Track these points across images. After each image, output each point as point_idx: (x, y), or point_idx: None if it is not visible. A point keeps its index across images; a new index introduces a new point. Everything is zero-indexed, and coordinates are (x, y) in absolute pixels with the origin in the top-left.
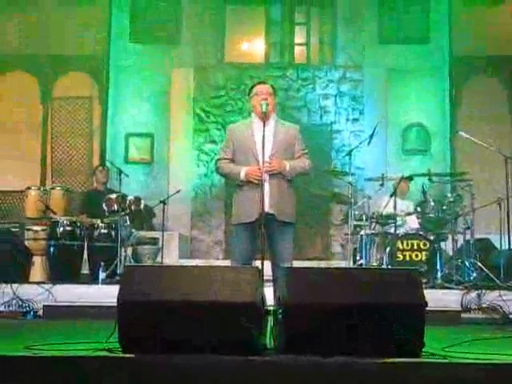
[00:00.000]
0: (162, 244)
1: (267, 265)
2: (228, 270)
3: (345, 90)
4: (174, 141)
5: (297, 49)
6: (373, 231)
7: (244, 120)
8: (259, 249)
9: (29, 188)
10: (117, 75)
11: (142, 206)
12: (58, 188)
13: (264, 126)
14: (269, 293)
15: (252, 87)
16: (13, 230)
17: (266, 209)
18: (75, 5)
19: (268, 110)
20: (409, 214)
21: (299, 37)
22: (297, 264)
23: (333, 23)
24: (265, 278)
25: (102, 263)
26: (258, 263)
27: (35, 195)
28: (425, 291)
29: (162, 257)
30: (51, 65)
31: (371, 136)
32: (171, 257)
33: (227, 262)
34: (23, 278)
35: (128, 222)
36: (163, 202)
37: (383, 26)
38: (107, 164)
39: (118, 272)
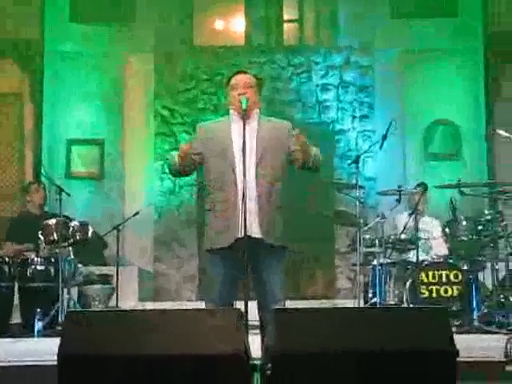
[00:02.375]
0: (117, 282)
1: (252, 306)
2: (203, 314)
3: (349, 79)
4: (131, 149)
5: (287, 26)
6: (389, 260)
7: (221, 118)
8: (242, 285)
9: None
10: (54, 64)
11: (89, 233)
12: None
13: (244, 126)
14: (255, 342)
15: (229, 79)
16: None
17: (252, 231)
18: None
19: (248, 106)
20: (434, 236)
21: (289, 11)
22: (291, 305)
23: None
24: (250, 322)
25: (39, 310)
26: (240, 304)
27: None
28: (457, 336)
29: (117, 299)
30: None
31: (384, 137)
32: (129, 299)
33: (202, 305)
34: None
35: (72, 255)
36: (117, 228)
37: None
38: (43, 180)
39: (60, 321)
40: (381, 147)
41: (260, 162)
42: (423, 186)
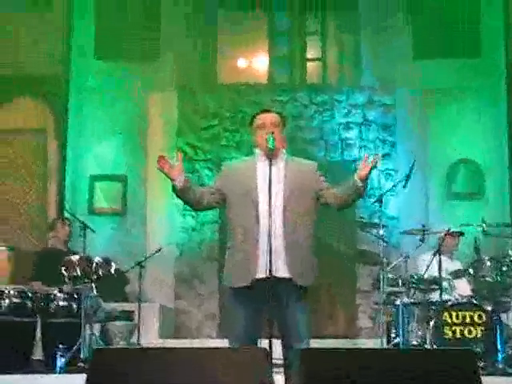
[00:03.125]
0: (139, 319)
1: (277, 345)
2: (226, 353)
3: (372, 118)
4: (153, 185)
5: (309, 65)
6: (412, 300)
7: (246, 157)
8: (266, 324)
9: None
10: (78, 101)
11: (112, 269)
12: (2, 247)
13: (271, 166)
14: (279, 381)
15: (253, 117)
16: None
17: (279, 271)
18: (24, 10)
19: (276, 145)
20: (458, 276)
21: (313, 50)
22: (314, 343)
23: (355, 33)
24: (274, 361)
25: (61, 346)
26: (264, 342)
27: None
28: (482, 378)
29: (138, 336)
30: None
31: (408, 176)
32: (150, 335)
33: (225, 342)
34: None
35: (94, 292)
36: (140, 265)
37: (419, 37)
38: (67, 216)
39: (82, 357)
40: (404, 186)
41: (288, 202)
42: (459, 233)
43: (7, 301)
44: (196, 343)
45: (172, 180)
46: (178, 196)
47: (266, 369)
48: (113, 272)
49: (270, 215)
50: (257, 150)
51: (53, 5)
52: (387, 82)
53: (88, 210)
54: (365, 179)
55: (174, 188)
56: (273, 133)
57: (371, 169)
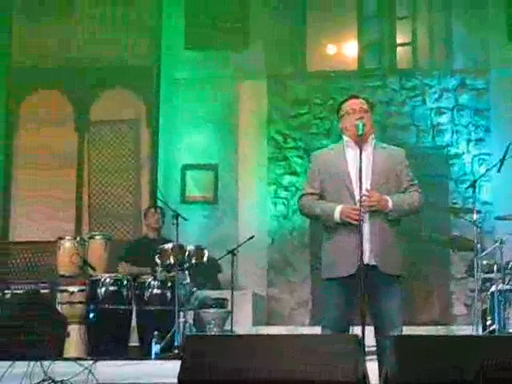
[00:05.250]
0: (232, 306)
1: (369, 332)
2: (319, 340)
3: (465, 102)
4: (244, 173)
5: (399, 50)
6: (508, 286)
7: (333, 145)
8: (358, 311)
9: (61, 238)
10: (169, 91)
11: (205, 258)
12: (99, 237)
13: (360, 153)
14: (372, 368)
15: (341, 104)
16: (42, 291)
17: (366, 259)
18: (115, 4)
19: (365, 131)
20: None
21: (402, 35)
22: (408, 331)
23: (447, 15)
24: (367, 349)
25: (156, 332)
26: (357, 330)
27: (70, 247)
28: None
29: (231, 323)
30: (87, 80)
31: (502, 160)
32: (243, 323)
33: (316, 330)
34: (56, 354)
35: (188, 280)
36: (232, 253)
37: None
38: (159, 205)
39: (177, 344)
40: (499, 170)
41: (375, 188)
42: None
43: (104, 289)
44: (288, 330)
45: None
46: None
47: (358, 356)
48: (205, 260)
49: (360, 203)
50: (345, 137)
51: None
52: (480, 64)
53: (180, 199)
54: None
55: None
56: (362, 118)
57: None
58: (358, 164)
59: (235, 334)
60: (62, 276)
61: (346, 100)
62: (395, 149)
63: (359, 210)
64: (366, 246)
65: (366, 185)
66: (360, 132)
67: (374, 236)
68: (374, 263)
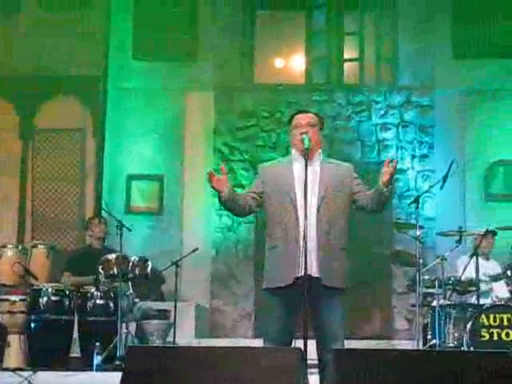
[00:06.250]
0: (175, 318)
1: (311, 345)
2: (261, 353)
3: (410, 119)
4: (190, 184)
5: (347, 65)
6: (449, 302)
7: (281, 158)
8: (300, 324)
9: (3, 246)
10: (116, 101)
11: (148, 269)
12: (41, 246)
13: (306, 166)
14: (315, 382)
15: (290, 118)
16: None
17: (310, 270)
18: (63, 10)
19: (311, 145)
20: (496, 279)
21: (350, 50)
22: (349, 344)
23: (393, 32)
24: (309, 362)
25: (97, 343)
26: (299, 343)
27: (11, 255)
28: None
29: (174, 335)
30: (32, 88)
31: (445, 177)
32: (186, 335)
33: (259, 342)
34: None
35: (131, 290)
36: (176, 264)
37: (459, 36)
38: (104, 214)
39: (118, 355)
40: (441, 187)
41: (322, 203)
42: (492, 232)
43: (45, 298)
44: (231, 342)
45: (219, 192)
46: (223, 205)
47: (300, 369)
48: (149, 271)
49: (305, 216)
50: (293, 151)
51: (91, 4)
52: (425, 82)
53: (125, 209)
54: (388, 184)
55: (219, 199)
56: (307, 133)
57: (393, 174)
58: (303, 178)
59: (177, 345)
60: (3, 285)
61: (295, 114)
62: (343, 164)
63: (303, 224)
64: (312, 259)
65: (312, 199)
66: (305, 146)
67: (319, 249)
68: (318, 275)
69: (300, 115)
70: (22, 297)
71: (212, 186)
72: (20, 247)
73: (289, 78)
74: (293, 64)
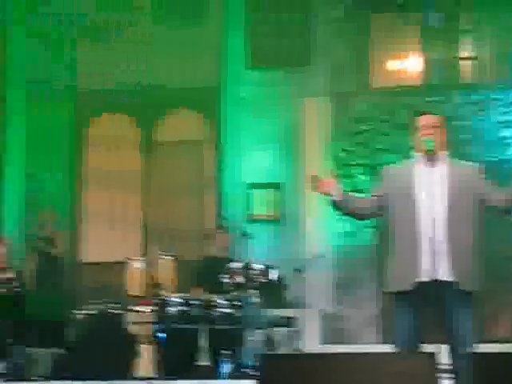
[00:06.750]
0: (300, 325)
1: (443, 349)
2: (390, 358)
3: None
4: (307, 192)
5: (463, 64)
6: None
7: (404, 160)
8: (427, 327)
9: (130, 258)
10: (233, 111)
11: (273, 276)
12: (167, 257)
13: (431, 169)
14: None
15: (414, 119)
16: (111, 311)
17: (441, 273)
18: (179, 27)
19: (434, 147)
20: None
21: (466, 48)
22: (482, 349)
23: (510, 29)
24: (441, 367)
25: (225, 352)
26: (430, 348)
27: (138, 267)
28: None
29: (299, 342)
30: (151, 102)
31: None
32: (311, 341)
33: (386, 347)
34: (126, 374)
35: (256, 299)
36: (299, 271)
37: None
38: (224, 224)
39: (246, 363)
40: None
41: (449, 205)
42: None
43: (173, 308)
44: (357, 348)
45: (329, 195)
46: (338, 209)
47: (432, 375)
48: (273, 279)
49: (433, 219)
50: (417, 153)
51: (206, 17)
52: None
53: (246, 218)
54: None
55: (332, 203)
56: (432, 134)
57: None
58: (428, 181)
59: (306, 352)
60: (132, 296)
61: (418, 115)
62: (469, 164)
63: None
64: (441, 262)
65: (439, 201)
66: (428, 148)
67: (452, 253)
68: (448, 279)
69: (423, 117)
70: (151, 307)
71: (319, 191)
72: (146, 259)
73: (405, 79)
74: (409, 66)
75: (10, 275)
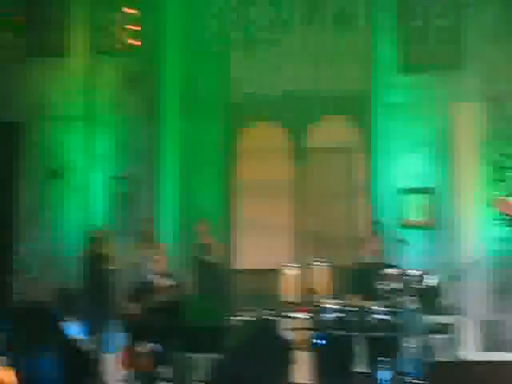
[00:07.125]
0: (457, 332)
1: None
2: None
3: None
4: (461, 196)
5: None
6: None
7: None
8: None
9: (285, 265)
10: (383, 116)
11: (428, 282)
12: (323, 264)
13: None
14: None
15: None
16: (266, 317)
17: None
18: (329, 36)
19: None
20: None
21: None
22: None
23: None
24: None
25: (382, 359)
26: None
27: (293, 274)
28: None
29: (456, 349)
30: (302, 110)
31: None
32: (468, 348)
33: None
34: (282, 379)
35: (413, 305)
36: (454, 277)
37: None
38: (377, 229)
39: (403, 370)
40: None
41: None
42: None
43: (329, 315)
44: None
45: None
46: None
47: None
48: (430, 285)
49: None
50: None
51: (355, 25)
52: None
53: (398, 224)
54: None
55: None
56: None
57: None
58: None
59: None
60: (288, 303)
61: None
62: None
63: None
64: None
65: None
66: None
67: None
68: None
69: None
70: (307, 314)
71: (501, 211)
72: (301, 265)
73: None
74: None
75: (171, 282)
